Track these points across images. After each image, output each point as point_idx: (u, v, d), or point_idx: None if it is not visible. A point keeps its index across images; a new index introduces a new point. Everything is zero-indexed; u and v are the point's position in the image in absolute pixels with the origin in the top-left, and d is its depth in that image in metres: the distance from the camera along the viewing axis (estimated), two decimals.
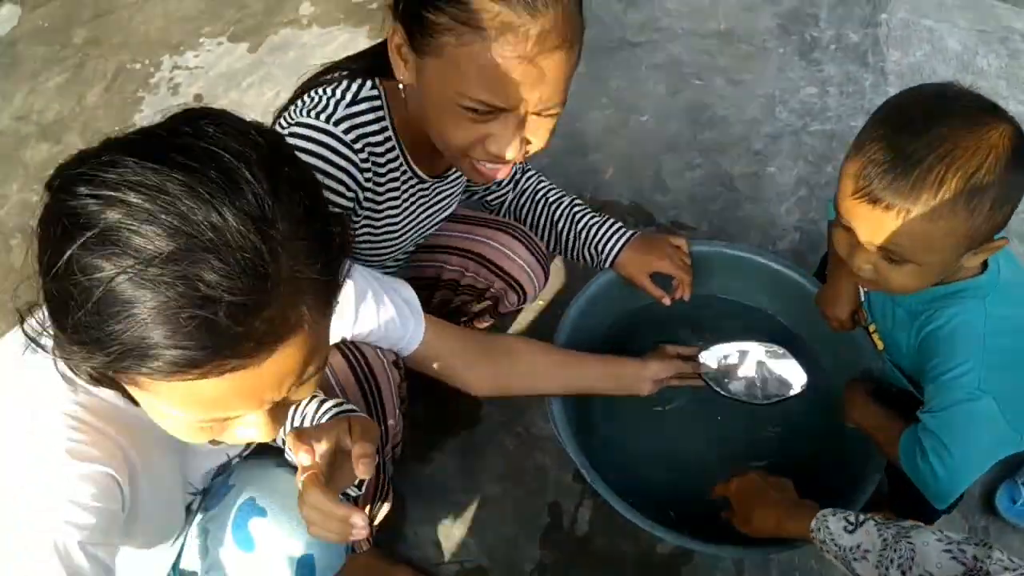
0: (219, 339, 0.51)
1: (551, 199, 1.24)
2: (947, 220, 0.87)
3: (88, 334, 0.52)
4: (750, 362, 1.27)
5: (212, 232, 0.51)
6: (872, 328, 1.17)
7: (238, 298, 0.51)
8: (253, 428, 0.62)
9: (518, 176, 1.25)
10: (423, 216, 1.11)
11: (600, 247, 1.22)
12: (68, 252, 0.51)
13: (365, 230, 1.04)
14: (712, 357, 1.26)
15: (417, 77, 0.85)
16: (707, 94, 1.80)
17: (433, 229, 1.17)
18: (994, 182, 0.85)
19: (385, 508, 1.11)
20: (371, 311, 0.91)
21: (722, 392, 1.25)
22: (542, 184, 1.24)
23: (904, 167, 0.86)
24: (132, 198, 0.51)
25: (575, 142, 1.73)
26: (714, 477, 1.26)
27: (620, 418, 1.32)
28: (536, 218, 1.24)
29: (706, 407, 1.29)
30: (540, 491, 1.34)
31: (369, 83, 0.93)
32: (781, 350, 1.26)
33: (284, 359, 0.56)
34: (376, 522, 1.14)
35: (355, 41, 1.93)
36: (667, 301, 1.26)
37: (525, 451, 1.38)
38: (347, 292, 0.87)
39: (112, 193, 0.51)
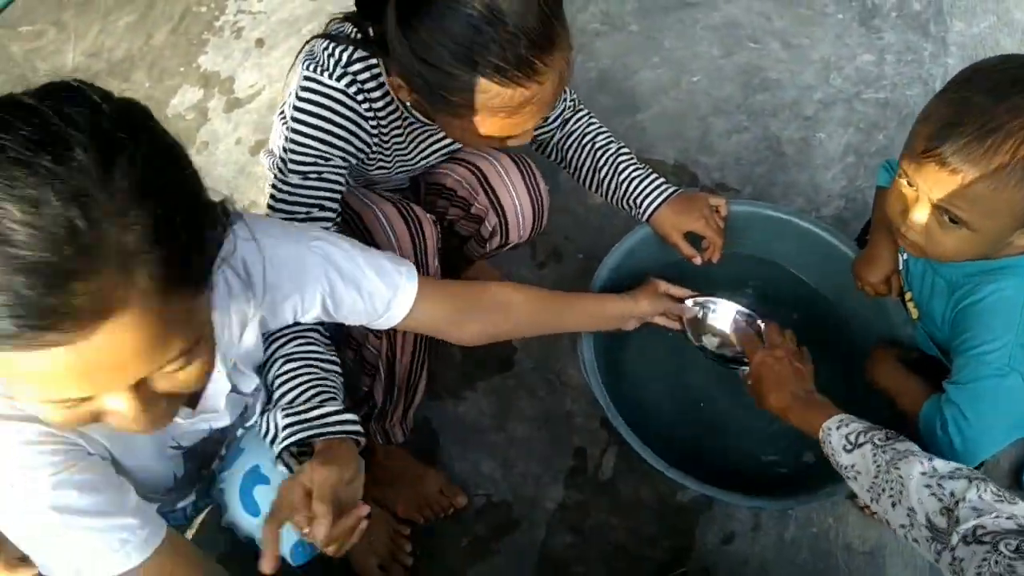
0: (29, 308, 0.51)
1: (598, 144, 1.25)
2: (1012, 191, 0.87)
3: None
4: (727, 321, 1.29)
5: (27, 204, 0.51)
6: (908, 296, 1.18)
7: (45, 266, 0.50)
8: (119, 414, 0.61)
9: (567, 115, 1.26)
10: (433, 148, 1.18)
11: (639, 201, 1.24)
12: None
13: (378, 160, 1.12)
14: (697, 305, 1.29)
15: (427, 106, 0.95)
16: (761, 57, 1.78)
17: (448, 153, 1.22)
18: None
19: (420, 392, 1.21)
20: (315, 309, 0.91)
21: (694, 342, 1.28)
22: (592, 127, 1.26)
23: (980, 131, 0.86)
24: None
25: (624, 100, 1.74)
26: (739, 435, 1.30)
27: (651, 371, 1.36)
28: (580, 161, 1.26)
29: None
30: (567, 436, 1.39)
31: (362, 50, 0.99)
32: (760, 323, 1.28)
33: (117, 338, 0.54)
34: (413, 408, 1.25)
35: None
36: (698, 260, 1.28)
37: (556, 397, 1.43)
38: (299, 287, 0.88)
39: None
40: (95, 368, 0.55)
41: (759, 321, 1.28)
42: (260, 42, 1.94)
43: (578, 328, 1.22)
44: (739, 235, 1.33)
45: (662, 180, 1.25)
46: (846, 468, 0.98)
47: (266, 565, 0.77)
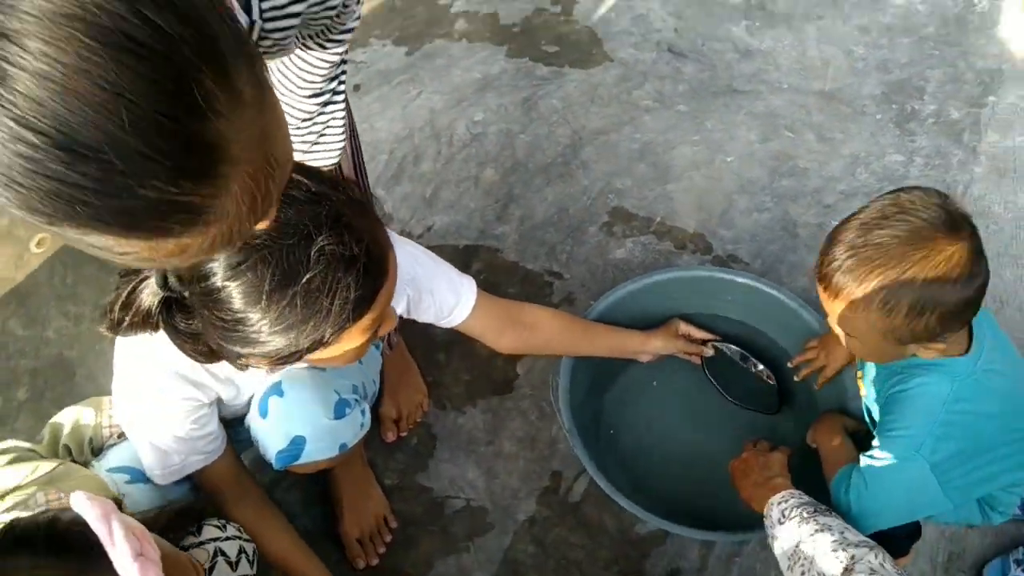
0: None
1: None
2: (865, 314, 1.01)
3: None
4: (743, 368, 1.48)
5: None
6: (859, 374, 1.29)
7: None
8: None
9: None
10: None
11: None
12: None
13: None
14: (716, 347, 1.49)
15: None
16: (795, 147, 1.92)
17: None
18: (912, 293, 0.97)
19: None
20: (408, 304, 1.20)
21: (712, 380, 1.49)
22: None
23: (843, 261, 1.01)
24: None
25: (659, 171, 1.91)
26: (707, 469, 1.44)
27: (630, 404, 1.53)
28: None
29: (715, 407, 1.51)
30: (548, 458, 1.55)
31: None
32: (772, 379, 1.43)
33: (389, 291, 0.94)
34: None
35: (494, 57, 2.21)
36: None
37: (545, 423, 1.59)
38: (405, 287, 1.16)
39: None
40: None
41: (761, 367, 1.47)
42: (358, 87, 2.23)
43: (597, 354, 1.45)
44: (731, 303, 1.50)
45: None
46: (776, 540, 1.09)
47: None
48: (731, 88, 2.05)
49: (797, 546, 1.03)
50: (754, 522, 1.28)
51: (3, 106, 0.47)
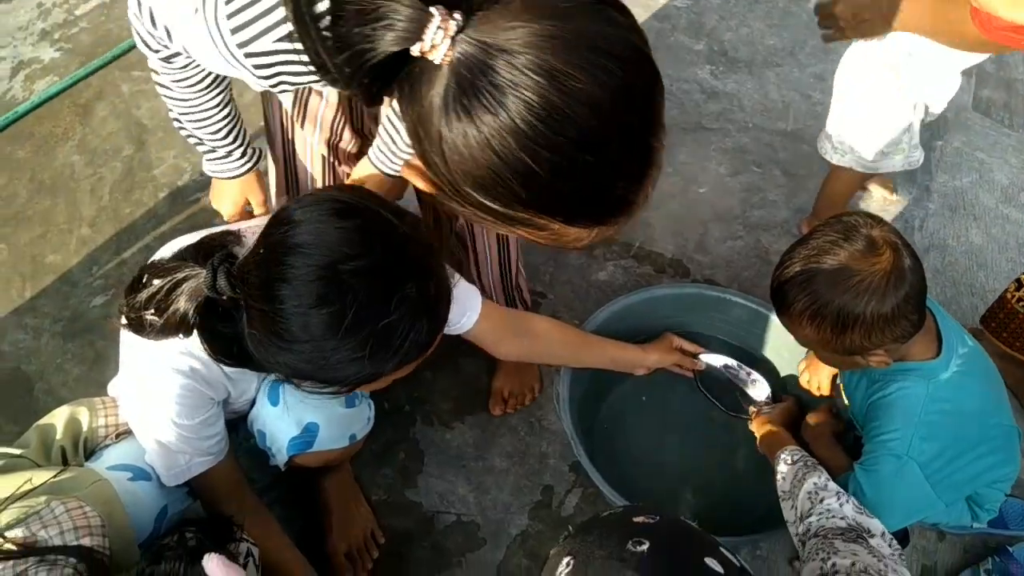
0: None
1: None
2: (801, 330, 1.14)
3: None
4: (735, 376, 1.51)
5: None
6: (841, 386, 1.35)
7: None
8: None
9: None
10: None
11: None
12: None
13: None
14: (707, 360, 1.52)
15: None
16: (763, 180, 2.02)
17: None
18: (832, 312, 1.08)
19: None
20: None
21: (704, 392, 1.51)
22: None
23: (779, 282, 1.15)
24: None
25: None
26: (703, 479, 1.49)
27: (622, 418, 1.55)
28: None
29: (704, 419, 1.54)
30: (539, 473, 1.54)
31: None
32: (764, 385, 1.47)
33: None
34: None
35: None
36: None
37: (534, 439, 1.58)
38: None
39: None
40: None
41: (752, 374, 1.50)
42: None
43: (595, 366, 1.46)
44: (721, 321, 1.56)
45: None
46: (780, 475, 1.17)
47: None
48: (700, 125, 2.15)
49: (792, 486, 1.13)
50: (746, 529, 1.32)
51: (544, 119, 0.61)
